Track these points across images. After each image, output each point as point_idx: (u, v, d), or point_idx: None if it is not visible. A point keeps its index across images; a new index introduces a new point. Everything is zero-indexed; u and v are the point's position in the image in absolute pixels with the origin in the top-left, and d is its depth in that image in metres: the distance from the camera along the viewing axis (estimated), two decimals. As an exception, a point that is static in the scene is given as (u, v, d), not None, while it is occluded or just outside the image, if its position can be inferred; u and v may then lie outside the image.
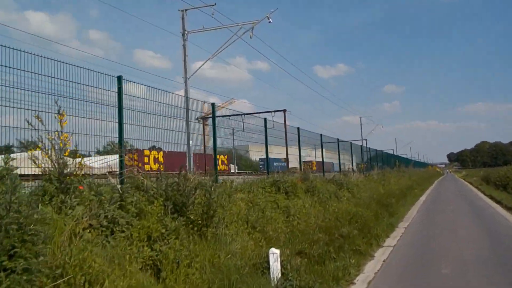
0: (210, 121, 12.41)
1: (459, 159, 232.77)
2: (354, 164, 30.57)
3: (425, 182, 43.73)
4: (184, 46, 23.52)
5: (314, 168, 26.33)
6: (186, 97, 19.97)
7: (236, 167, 57.61)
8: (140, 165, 8.96)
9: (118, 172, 7.47)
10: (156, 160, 14.59)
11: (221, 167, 21.19)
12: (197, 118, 13.04)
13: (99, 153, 9.62)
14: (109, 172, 7.49)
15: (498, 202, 21.40)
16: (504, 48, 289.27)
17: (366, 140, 73.82)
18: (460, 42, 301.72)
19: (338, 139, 26.06)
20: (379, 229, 12.49)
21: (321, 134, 21.43)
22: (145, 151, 13.61)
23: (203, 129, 15.79)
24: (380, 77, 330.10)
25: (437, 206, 21.20)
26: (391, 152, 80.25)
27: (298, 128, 18.58)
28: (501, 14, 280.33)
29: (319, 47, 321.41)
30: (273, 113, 58.06)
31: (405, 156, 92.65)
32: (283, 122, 40.00)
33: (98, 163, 10.14)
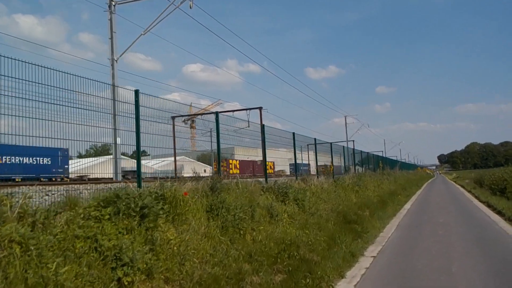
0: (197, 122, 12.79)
1: (450, 161, 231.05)
2: (313, 164, 26.31)
3: (413, 186, 39.48)
4: (110, 20, 18.99)
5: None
6: (113, 85, 15.49)
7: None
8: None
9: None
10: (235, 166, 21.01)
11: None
12: (184, 120, 12.51)
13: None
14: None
15: (499, 213, 17.13)
16: (494, 49, 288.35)
17: (353, 141, 69.57)
18: (450, 43, 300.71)
19: (315, 139, 21.91)
20: (331, 264, 8.10)
21: (293, 133, 16.89)
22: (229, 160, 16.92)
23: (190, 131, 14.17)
24: (372, 78, 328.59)
25: (423, 219, 16.87)
26: (380, 153, 76.44)
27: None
28: (490, 15, 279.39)
29: (310, 49, 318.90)
30: (248, 111, 53.65)
31: (394, 158, 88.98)
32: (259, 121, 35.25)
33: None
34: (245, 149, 15.82)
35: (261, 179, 12.86)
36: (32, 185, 7.30)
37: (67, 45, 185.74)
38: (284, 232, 8.62)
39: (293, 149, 16.94)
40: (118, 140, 17.03)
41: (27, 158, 26.48)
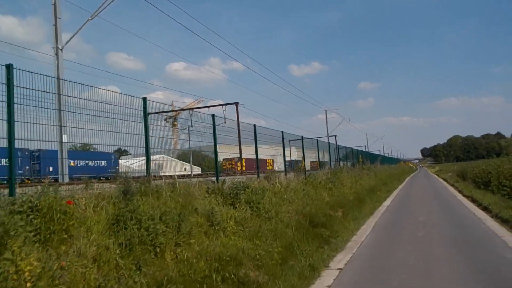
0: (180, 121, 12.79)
1: (433, 154, 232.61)
2: (307, 161, 24.97)
3: (394, 181, 38.12)
4: (54, 4, 16.94)
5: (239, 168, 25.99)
6: (58, 79, 13.76)
7: (200, 168, 51.89)
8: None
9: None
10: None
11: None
12: (166, 119, 11.92)
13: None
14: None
15: (485, 209, 15.66)
16: (475, 42, 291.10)
17: (335, 136, 68.34)
18: (431, 38, 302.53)
19: (282, 131, 20.17)
20: (282, 285, 6.39)
21: (254, 125, 15.03)
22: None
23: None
24: (355, 74, 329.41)
25: (403, 217, 15.29)
26: (363, 148, 75.26)
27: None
28: (471, 10, 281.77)
29: (293, 48, 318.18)
30: (224, 106, 51.70)
31: (377, 152, 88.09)
32: (236, 116, 34.00)
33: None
34: (228, 146, 15.45)
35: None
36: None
37: (48, 46, 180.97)
38: (225, 245, 6.84)
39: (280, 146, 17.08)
40: (64, 138, 14.99)
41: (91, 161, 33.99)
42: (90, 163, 34.57)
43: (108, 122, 8.61)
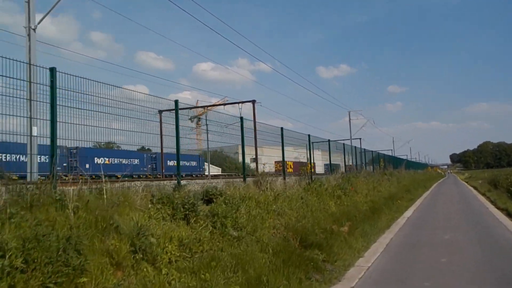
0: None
1: (462, 160, 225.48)
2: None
3: (420, 188, 35.07)
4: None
5: (290, 169, 24.08)
6: (30, 64, 11.82)
7: (220, 169, 50.54)
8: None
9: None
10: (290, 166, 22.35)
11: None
12: (190, 118, 11.72)
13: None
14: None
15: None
16: (507, 47, 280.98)
17: (360, 139, 65.26)
18: (463, 42, 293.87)
19: (309, 135, 18.29)
20: None
21: (281, 128, 13.00)
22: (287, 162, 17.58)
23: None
24: (383, 77, 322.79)
25: (424, 234, 12.75)
26: (389, 153, 71.95)
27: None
28: (503, 13, 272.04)
29: (321, 49, 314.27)
30: (240, 104, 49.51)
31: (404, 157, 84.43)
32: (252, 114, 32.70)
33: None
34: (249, 147, 14.40)
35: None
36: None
37: (79, 44, 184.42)
38: (145, 286, 4.59)
39: (301, 147, 17.30)
40: (34, 131, 12.95)
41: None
42: (124, 161, 37.24)
43: (131, 121, 8.63)
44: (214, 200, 8.28)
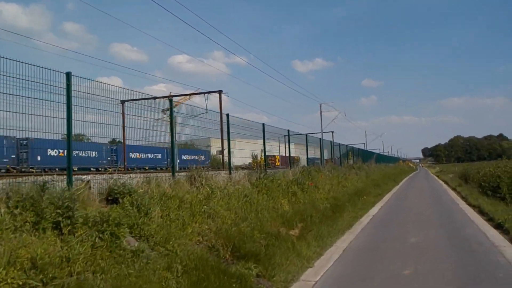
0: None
1: (434, 154, 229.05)
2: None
3: (390, 182, 33.95)
4: None
5: (278, 163, 25.27)
6: None
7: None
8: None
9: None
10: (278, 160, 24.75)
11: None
12: (163, 111, 11.26)
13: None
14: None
15: (499, 227, 11.67)
16: (478, 43, 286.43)
17: (332, 132, 64.24)
18: (436, 37, 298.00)
19: (263, 124, 16.73)
20: None
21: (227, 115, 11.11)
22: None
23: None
24: (358, 71, 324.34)
25: (388, 235, 11.29)
26: (362, 146, 71.16)
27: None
28: (476, 10, 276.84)
29: (298, 44, 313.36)
30: (206, 94, 47.59)
31: (377, 151, 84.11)
32: (219, 105, 31.74)
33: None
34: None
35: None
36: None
37: (51, 34, 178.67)
38: None
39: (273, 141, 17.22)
40: None
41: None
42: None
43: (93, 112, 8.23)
44: (121, 200, 6.50)
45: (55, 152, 28.96)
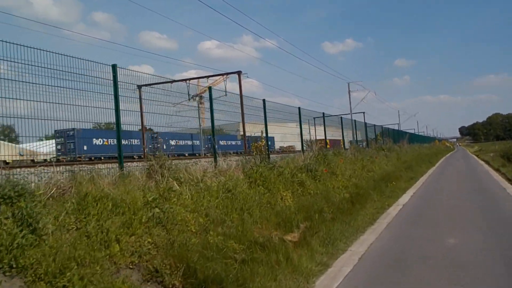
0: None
1: (471, 133, 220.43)
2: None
3: (424, 163, 30.87)
4: None
5: (328, 146, 23.44)
6: None
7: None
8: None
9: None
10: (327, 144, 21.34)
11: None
12: (193, 96, 11.94)
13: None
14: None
15: None
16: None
17: (363, 113, 61.19)
18: (472, 13, 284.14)
19: (299, 108, 16.26)
20: None
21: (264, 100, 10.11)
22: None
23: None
24: (391, 51, 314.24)
25: (419, 237, 8.81)
26: (395, 127, 67.50)
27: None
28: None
29: (327, 25, 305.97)
30: (225, 76, 45.59)
31: (412, 131, 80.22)
32: (239, 87, 29.75)
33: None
34: (251, 125, 14.72)
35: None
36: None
37: (82, 24, 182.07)
38: None
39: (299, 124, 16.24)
40: None
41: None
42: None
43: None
44: (11, 204, 4.37)
45: (100, 141, 30.26)
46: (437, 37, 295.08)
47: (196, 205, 6.30)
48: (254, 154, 10.54)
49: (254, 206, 7.54)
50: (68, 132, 27.41)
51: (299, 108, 15.34)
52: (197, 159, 11.04)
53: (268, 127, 14.03)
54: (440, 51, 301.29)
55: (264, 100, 13.64)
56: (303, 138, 17.12)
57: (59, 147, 27.95)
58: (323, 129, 21.54)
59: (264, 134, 12.45)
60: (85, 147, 29.05)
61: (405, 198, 14.55)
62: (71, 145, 28.16)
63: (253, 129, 14.62)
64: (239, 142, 44.73)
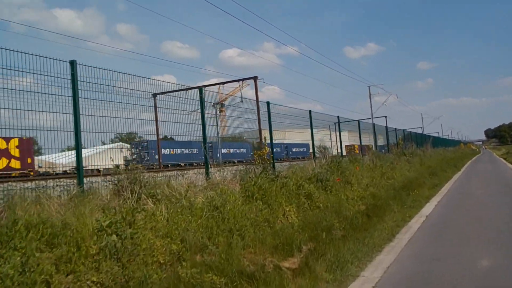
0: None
1: (497, 135, 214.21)
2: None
3: (449, 168, 29.14)
4: None
5: (357, 151, 23.42)
6: None
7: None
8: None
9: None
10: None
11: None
12: (213, 104, 11.54)
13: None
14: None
15: None
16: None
17: (385, 117, 59.70)
18: (494, 14, 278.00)
19: (310, 111, 15.56)
20: None
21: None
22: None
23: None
24: (413, 54, 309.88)
25: (447, 253, 7.51)
26: (418, 131, 65.41)
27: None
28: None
29: (348, 29, 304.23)
30: (241, 82, 44.69)
31: (436, 135, 77.88)
32: (255, 91, 30.11)
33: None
34: (278, 133, 13.84)
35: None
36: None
37: (105, 36, 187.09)
38: None
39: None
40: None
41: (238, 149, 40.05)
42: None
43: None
44: None
45: (167, 151, 33.76)
46: (458, 38, 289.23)
47: (170, 228, 5.19)
48: (256, 163, 9.38)
49: (247, 226, 6.39)
50: (142, 143, 31.57)
51: (310, 111, 14.27)
52: (195, 169, 10.07)
53: (287, 133, 13.95)
54: (463, 52, 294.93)
55: (268, 103, 12.82)
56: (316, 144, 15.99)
57: (134, 156, 31.59)
58: (346, 134, 20.63)
59: (267, 140, 11.29)
60: (156, 156, 31.68)
61: (429, 207, 13.17)
62: (145, 155, 32.27)
63: (275, 136, 14.15)
64: (243, 150, 43.96)
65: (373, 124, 25.66)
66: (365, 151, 21.41)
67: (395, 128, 29.77)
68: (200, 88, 8.25)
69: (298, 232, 7.06)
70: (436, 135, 79.80)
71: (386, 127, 27.27)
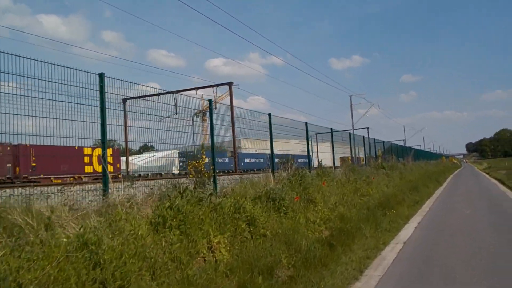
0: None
1: (478, 149, 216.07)
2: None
3: (431, 183, 27.41)
4: None
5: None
6: None
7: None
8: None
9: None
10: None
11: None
12: (196, 113, 11.22)
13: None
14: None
15: None
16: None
17: (367, 128, 58.63)
18: (476, 29, 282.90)
19: (306, 122, 14.38)
20: None
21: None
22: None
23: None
24: (397, 67, 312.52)
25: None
26: (401, 143, 64.17)
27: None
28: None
29: (333, 41, 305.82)
30: (215, 87, 42.58)
31: (418, 147, 76.90)
32: (230, 98, 33.98)
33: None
34: (254, 141, 13.47)
35: None
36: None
37: (90, 43, 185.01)
38: None
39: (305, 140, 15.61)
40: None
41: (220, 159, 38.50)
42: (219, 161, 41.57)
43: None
44: None
45: (249, 160, 42.79)
46: (443, 52, 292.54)
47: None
48: (190, 177, 7.32)
49: (138, 272, 4.30)
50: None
51: (269, 114, 12.42)
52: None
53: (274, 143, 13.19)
54: (446, 66, 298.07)
55: (270, 115, 12.81)
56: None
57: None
58: (328, 145, 18.99)
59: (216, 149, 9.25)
60: (242, 164, 41.53)
61: (407, 231, 11.28)
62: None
63: (255, 146, 13.76)
64: (226, 160, 42.42)
65: (350, 134, 23.87)
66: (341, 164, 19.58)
67: (374, 139, 28.03)
68: (101, 74, 6.28)
69: (224, 276, 5.01)
70: (418, 147, 78.86)
71: (364, 137, 25.51)
